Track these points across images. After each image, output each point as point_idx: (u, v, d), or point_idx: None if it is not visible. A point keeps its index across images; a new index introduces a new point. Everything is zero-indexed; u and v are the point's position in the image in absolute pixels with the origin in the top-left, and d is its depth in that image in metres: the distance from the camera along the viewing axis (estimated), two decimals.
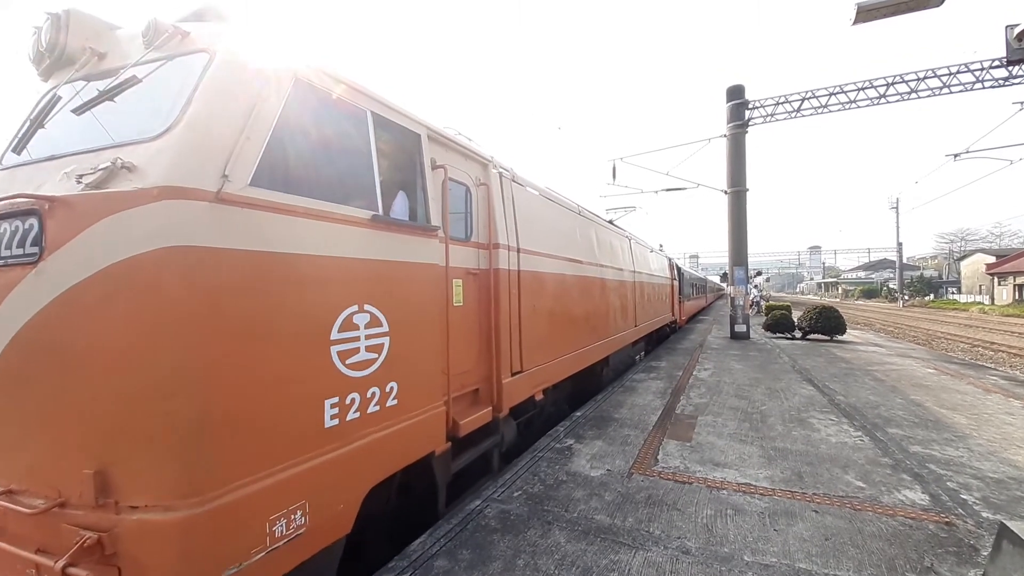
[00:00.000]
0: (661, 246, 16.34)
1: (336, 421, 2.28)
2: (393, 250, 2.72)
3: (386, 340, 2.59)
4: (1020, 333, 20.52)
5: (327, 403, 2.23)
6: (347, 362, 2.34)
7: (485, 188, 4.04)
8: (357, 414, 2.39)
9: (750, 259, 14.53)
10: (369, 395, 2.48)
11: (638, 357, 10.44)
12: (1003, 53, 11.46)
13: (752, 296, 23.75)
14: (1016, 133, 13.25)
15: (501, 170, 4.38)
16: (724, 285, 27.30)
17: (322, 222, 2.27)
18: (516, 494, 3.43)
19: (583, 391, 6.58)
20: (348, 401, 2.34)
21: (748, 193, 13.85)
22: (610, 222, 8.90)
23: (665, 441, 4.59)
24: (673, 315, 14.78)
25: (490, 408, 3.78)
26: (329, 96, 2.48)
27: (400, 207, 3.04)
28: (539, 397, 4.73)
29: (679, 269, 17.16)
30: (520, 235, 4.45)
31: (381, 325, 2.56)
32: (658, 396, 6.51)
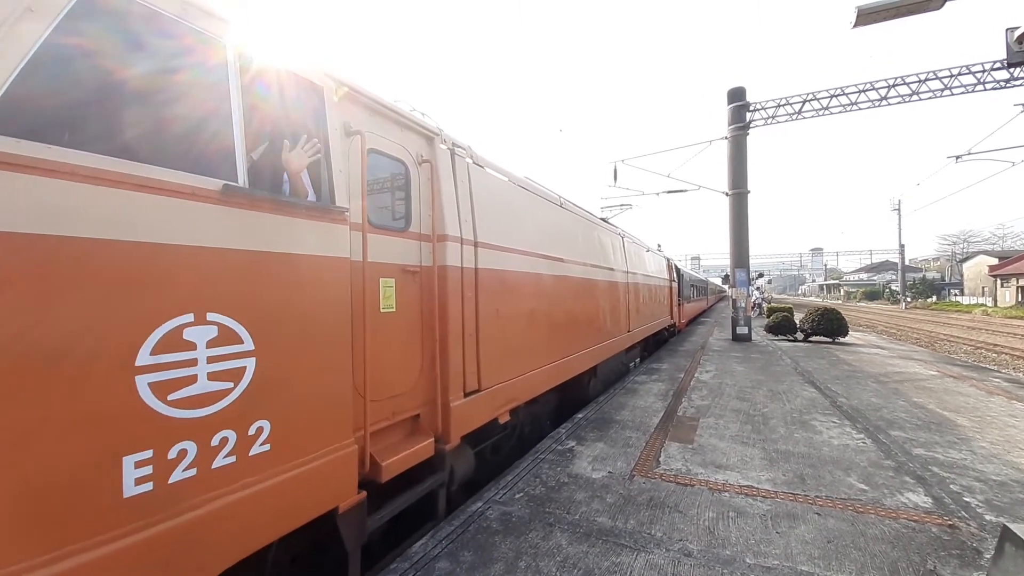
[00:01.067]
0: (659, 246, 15.80)
1: (148, 486, 1.58)
2: (263, 237, 1.99)
3: (249, 362, 1.89)
4: (1023, 335, 20.44)
5: (128, 461, 1.54)
6: (171, 397, 1.65)
7: (429, 167, 3.31)
8: (192, 471, 1.70)
9: (752, 261, 14.52)
10: (215, 442, 1.78)
11: (632, 364, 9.85)
12: (1004, 55, 11.47)
13: (754, 298, 23.72)
14: (1018, 135, 13.23)
15: (455, 147, 3.64)
16: (725, 287, 27.26)
17: (123, 191, 1.57)
18: (518, 496, 3.43)
19: (569, 403, 6.06)
20: (173, 455, 1.65)
21: (749, 195, 13.84)
22: (603, 219, 8.27)
23: (667, 443, 4.58)
24: (672, 318, 14.18)
25: (432, 440, 3.07)
26: (154, 16, 1.73)
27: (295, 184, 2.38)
28: (505, 419, 4.00)
29: (678, 270, 16.54)
30: (480, 227, 3.74)
31: (239, 342, 1.87)
32: (660, 398, 6.50)
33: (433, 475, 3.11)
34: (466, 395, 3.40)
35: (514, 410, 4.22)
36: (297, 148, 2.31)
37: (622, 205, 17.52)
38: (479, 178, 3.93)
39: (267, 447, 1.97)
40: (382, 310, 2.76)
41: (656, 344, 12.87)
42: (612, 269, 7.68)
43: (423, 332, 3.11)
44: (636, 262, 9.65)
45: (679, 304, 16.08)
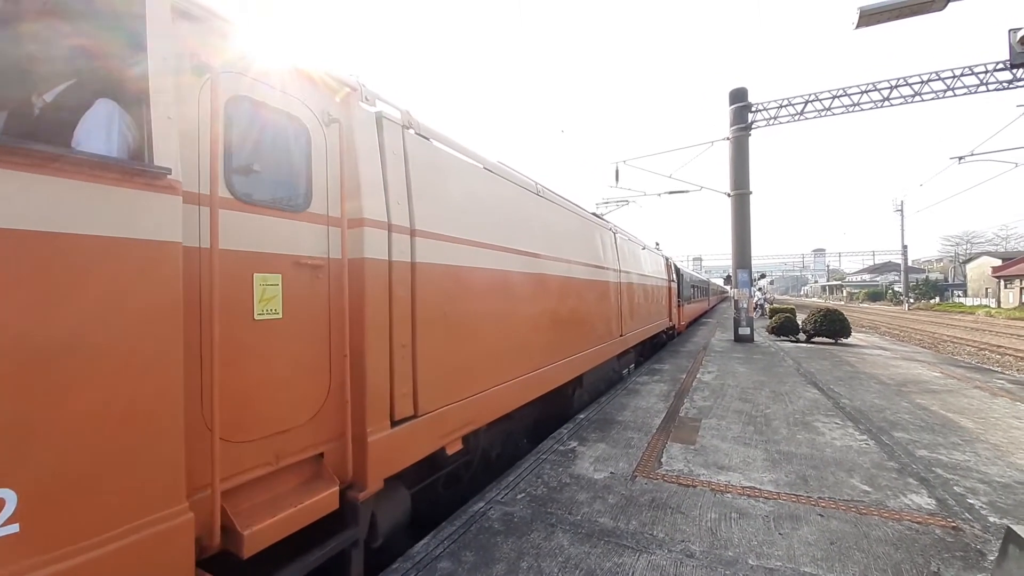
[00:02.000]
0: (657, 244, 15.08)
1: None
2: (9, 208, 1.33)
3: None
4: None
5: None
6: None
7: (339, 129, 2.52)
8: None
9: (754, 262, 14.49)
10: None
11: (626, 371, 9.13)
12: (1007, 56, 11.44)
13: (756, 299, 23.68)
14: (1021, 136, 13.25)
15: (385, 110, 2.88)
16: (727, 288, 27.18)
17: None
18: (519, 496, 3.43)
19: (551, 418, 5.43)
20: None
21: (752, 196, 13.82)
22: (595, 214, 7.56)
23: (669, 444, 4.57)
24: (671, 320, 13.53)
25: (336, 488, 2.28)
26: None
27: (98, 131, 1.64)
28: (456, 448, 3.26)
29: (678, 270, 15.85)
30: (422, 212, 3.01)
31: None
32: (661, 399, 6.49)
33: (339, 534, 2.34)
34: (395, 424, 2.66)
35: (473, 434, 3.55)
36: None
37: (619, 202, 17.14)
38: (423, 153, 3.19)
39: (13, 527, 1.29)
40: (258, 316, 2.03)
41: (653, 348, 12.25)
42: (602, 267, 6.91)
43: (332, 345, 2.37)
44: (630, 260, 8.90)
45: (679, 305, 15.41)
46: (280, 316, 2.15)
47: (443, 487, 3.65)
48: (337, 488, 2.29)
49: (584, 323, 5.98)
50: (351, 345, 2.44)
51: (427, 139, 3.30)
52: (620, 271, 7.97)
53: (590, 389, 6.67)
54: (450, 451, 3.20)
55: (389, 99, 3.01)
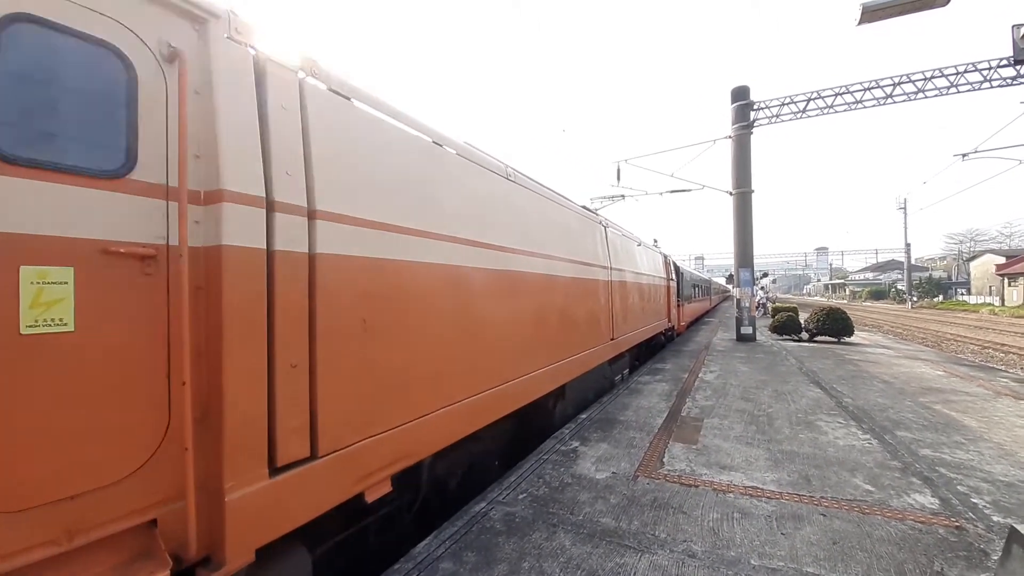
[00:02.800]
0: (656, 241, 14.20)
1: None
2: None
3: None
4: None
5: None
6: None
7: (184, 67, 1.79)
8: None
9: (756, 261, 14.46)
10: None
11: (619, 377, 8.31)
12: (1011, 52, 11.39)
13: (758, 298, 23.63)
14: None
15: (269, 51, 2.14)
16: (730, 287, 27.10)
17: None
18: (521, 496, 3.42)
19: (528, 436, 4.79)
20: None
21: (754, 194, 13.78)
22: (585, 208, 6.80)
23: (671, 444, 4.57)
24: (669, 321, 12.81)
25: (167, 572, 1.59)
26: None
27: None
28: (378, 494, 2.48)
29: (678, 268, 15.15)
30: (328, 187, 2.31)
31: None
32: (663, 398, 6.48)
33: None
34: (278, 470, 1.97)
35: (412, 469, 2.80)
36: None
37: (613, 197, 16.29)
38: (337, 115, 2.47)
39: None
40: (26, 329, 1.41)
41: (651, 350, 11.63)
42: (590, 264, 6.16)
43: (172, 367, 1.71)
44: (624, 257, 8.19)
45: (678, 305, 14.73)
46: (70, 328, 1.49)
47: (377, 533, 2.90)
48: (168, 571, 1.58)
49: (568, 326, 5.28)
50: (202, 367, 1.79)
51: (346, 98, 2.54)
52: (611, 268, 7.21)
53: (576, 400, 5.99)
54: (371, 497, 2.41)
55: (276, 33, 2.20)
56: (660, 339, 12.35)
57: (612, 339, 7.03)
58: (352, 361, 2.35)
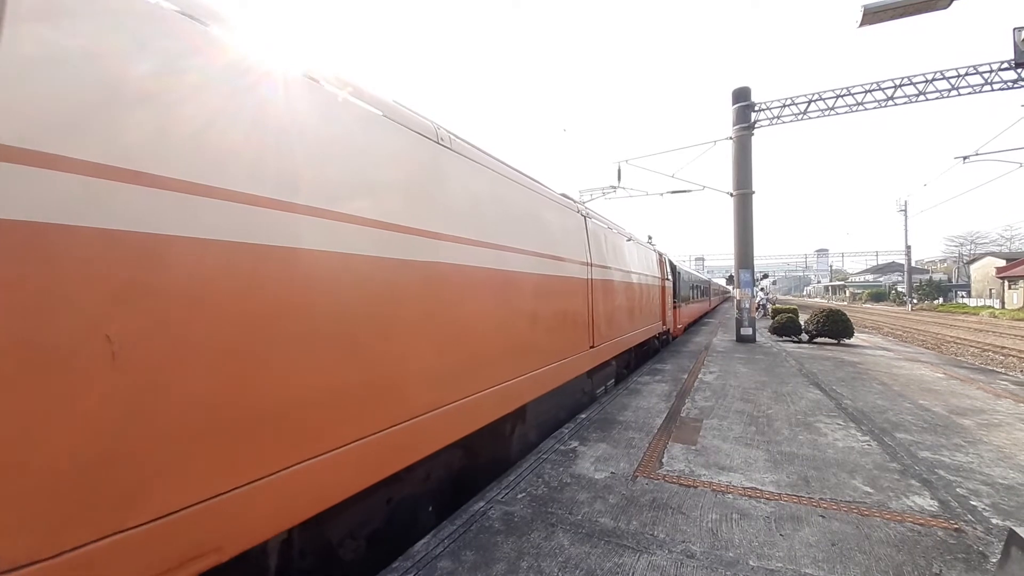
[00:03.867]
0: (650, 238, 13.03)
1: None
2: None
3: None
4: None
5: None
6: None
7: None
8: None
9: (756, 262, 14.45)
10: None
11: (602, 390, 7.22)
12: (1011, 56, 11.39)
13: (758, 299, 23.63)
14: None
15: None
16: (730, 288, 27.06)
17: None
18: (520, 496, 3.42)
19: (478, 468, 3.87)
20: None
21: (754, 195, 13.79)
22: (563, 195, 5.92)
23: (670, 444, 4.56)
24: (664, 324, 11.92)
25: None
26: None
27: None
28: None
29: (674, 267, 14.21)
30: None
31: None
32: (663, 399, 6.48)
33: None
34: None
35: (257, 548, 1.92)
36: None
37: (604, 190, 15.21)
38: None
39: None
40: None
41: (643, 356, 10.63)
42: (563, 259, 5.20)
43: None
44: (609, 252, 7.21)
45: (674, 307, 13.88)
46: None
47: None
48: None
49: (531, 334, 4.29)
50: None
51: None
52: (592, 265, 6.17)
53: (541, 423, 4.97)
54: None
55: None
56: (654, 343, 11.44)
57: (592, 347, 5.99)
58: (59, 411, 1.30)
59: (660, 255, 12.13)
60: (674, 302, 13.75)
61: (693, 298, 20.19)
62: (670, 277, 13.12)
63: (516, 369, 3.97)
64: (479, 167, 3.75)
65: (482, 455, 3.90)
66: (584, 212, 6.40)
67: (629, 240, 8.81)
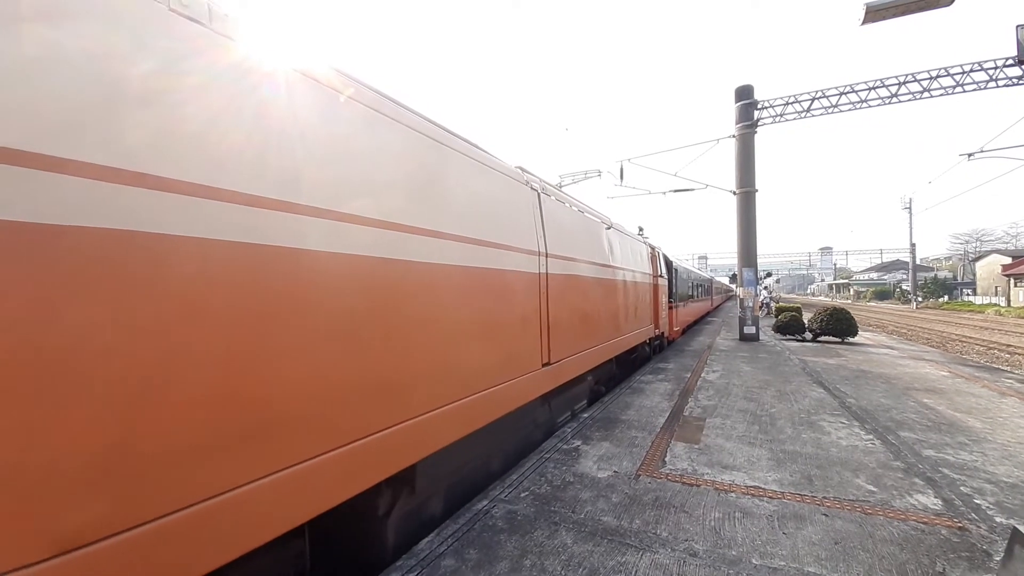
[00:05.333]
0: (641, 230, 11.11)
1: None
2: None
3: None
4: None
5: None
6: None
7: None
8: None
9: (760, 260, 14.42)
10: None
11: (568, 415, 5.78)
12: (1015, 52, 11.32)
13: (762, 298, 23.57)
14: None
15: None
16: (733, 286, 26.90)
17: None
18: (523, 495, 3.44)
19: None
20: None
21: (758, 194, 13.75)
22: (519, 168, 4.64)
23: (673, 443, 4.57)
24: (658, 327, 10.45)
25: None
26: None
27: None
28: None
29: (669, 263, 12.81)
30: None
31: None
32: (665, 398, 6.48)
33: None
34: None
35: None
36: None
37: (587, 172, 13.36)
38: None
39: None
40: None
41: (631, 366, 9.08)
42: (501, 247, 3.79)
43: None
44: (577, 241, 5.66)
45: (670, 307, 12.50)
46: None
47: None
48: None
49: (428, 354, 2.84)
50: None
51: None
52: (547, 256, 4.64)
53: (456, 486, 3.49)
54: None
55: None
56: (644, 350, 9.98)
57: (548, 364, 4.48)
58: None
59: (652, 249, 10.75)
60: (670, 302, 12.57)
61: (695, 297, 19.03)
62: (664, 274, 11.77)
63: (394, 409, 2.50)
64: (331, 94, 2.37)
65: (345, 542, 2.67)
66: (538, 187, 4.82)
67: (609, 228, 7.22)
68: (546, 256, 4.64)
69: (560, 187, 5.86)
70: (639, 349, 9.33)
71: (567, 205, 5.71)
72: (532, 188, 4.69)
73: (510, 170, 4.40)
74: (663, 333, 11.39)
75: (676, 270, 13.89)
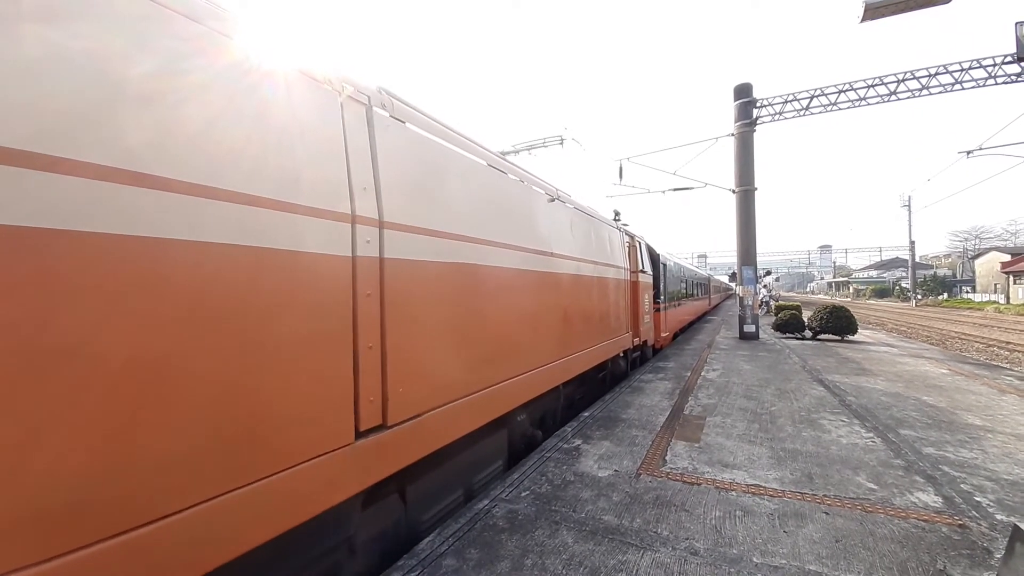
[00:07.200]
0: (617, 214, 9.42)
1: None
2: None
3: None
4: None
5: None
6: None
7: None
8: None
9: (759, 259, 14.43)
10: None
11: (498, 465, 4.04)
12: (1015, 49, 11.32)
13: (761, 296, 23.58)
14: None
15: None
16: (732, 284, 26.88)
17: None
18: (524, 494, 3.44)
19: None
20: None
21: (757, 192, 13.75)
22: (348, 79, 2.44)
23: (673, 442, 4.57)
24: (637, 335, 8.59)
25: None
26: None
27: None
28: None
29: (656, 258, 10.99)
30: None
31: None
32: (666, 397, 6.48)
33: None
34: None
35: None
36: None
37: (545, 140, 11.61)
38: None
39: None
40: None
41: (614, 379, 7.77)
42: (372, 221, 2.38)
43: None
44: (473, 211, 3.40)
45: (656, 309, 10.73)
46: None
47: None
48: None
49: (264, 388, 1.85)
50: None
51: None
52: (383, 226, 2.45)
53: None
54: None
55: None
56: (619, 365, 8.02)
57: (372, 430, 2.33)
58: None
59: (631, 238, 8.76)
60: (656, 303, 10.76)
61: (691, 296, 17.33)
62: (648, 270, 9.89)
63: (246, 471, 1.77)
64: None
65: None
66: (366, 93, 2.53)
67: (552, 200, 5.06)
68: (380, 227, 2.45)
69: (505, 155, 4.26)
70: (609, 365, 7.32)
71: (512, 175, 4.16)
72: (360, 102, 2.46)
73: (426, 120, 3.05)
74: (646, 341, 9.45)
75: (665, 265, 11.92)
